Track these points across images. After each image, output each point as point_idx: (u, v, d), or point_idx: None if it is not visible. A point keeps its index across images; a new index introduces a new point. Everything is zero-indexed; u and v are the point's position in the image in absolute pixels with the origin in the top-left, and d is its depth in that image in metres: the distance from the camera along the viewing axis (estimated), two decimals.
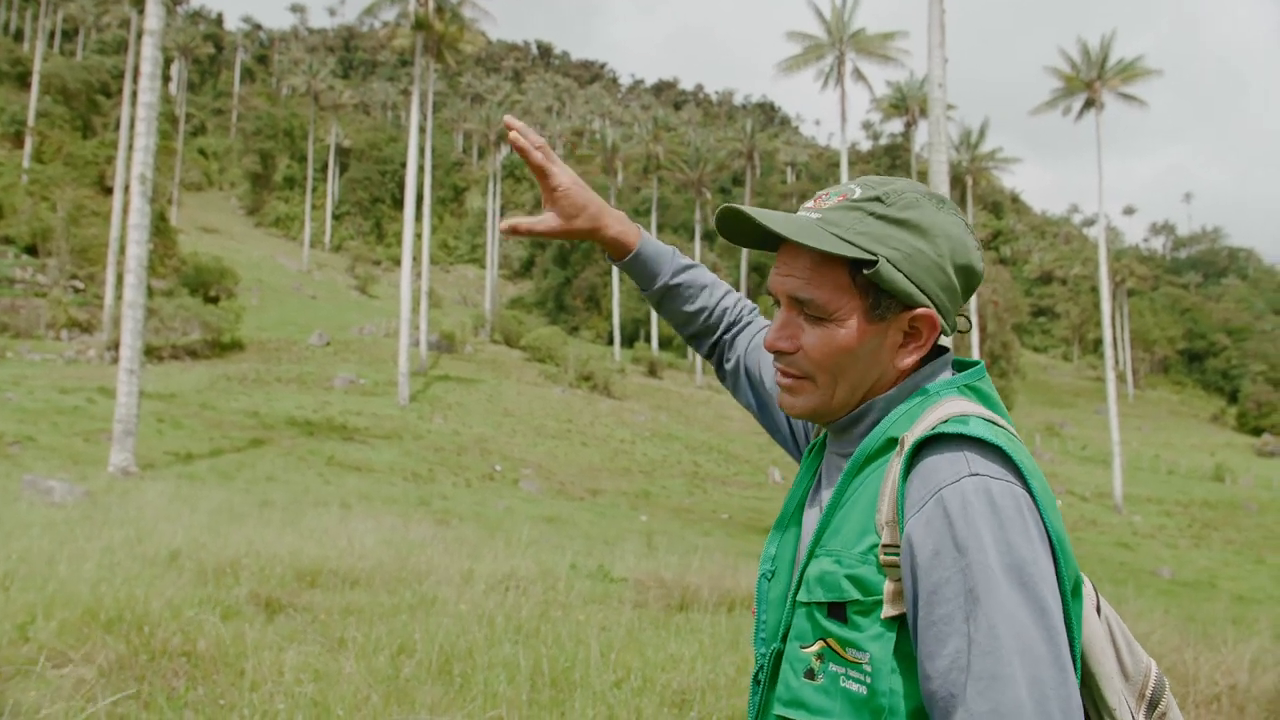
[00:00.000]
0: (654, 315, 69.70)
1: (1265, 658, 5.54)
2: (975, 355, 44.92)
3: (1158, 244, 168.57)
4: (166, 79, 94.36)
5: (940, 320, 1.34)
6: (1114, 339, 57.79)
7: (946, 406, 1.29)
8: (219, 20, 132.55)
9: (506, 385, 43.35)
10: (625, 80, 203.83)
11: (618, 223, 1.75)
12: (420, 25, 41.13)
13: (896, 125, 55.83)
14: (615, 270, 69.35)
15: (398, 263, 69.57)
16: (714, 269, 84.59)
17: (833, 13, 47.50)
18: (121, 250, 36.62)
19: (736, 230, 1.41)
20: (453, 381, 41.83)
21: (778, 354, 1.38)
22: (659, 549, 13.99)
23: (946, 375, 1.38)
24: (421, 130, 43.56)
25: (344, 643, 5.35)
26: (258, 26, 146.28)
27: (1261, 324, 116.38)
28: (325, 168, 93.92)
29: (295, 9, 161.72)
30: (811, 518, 1.39)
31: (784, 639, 1.31)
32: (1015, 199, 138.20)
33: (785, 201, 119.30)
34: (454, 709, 4.24)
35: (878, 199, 1.30)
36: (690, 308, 1.87)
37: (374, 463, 25.35)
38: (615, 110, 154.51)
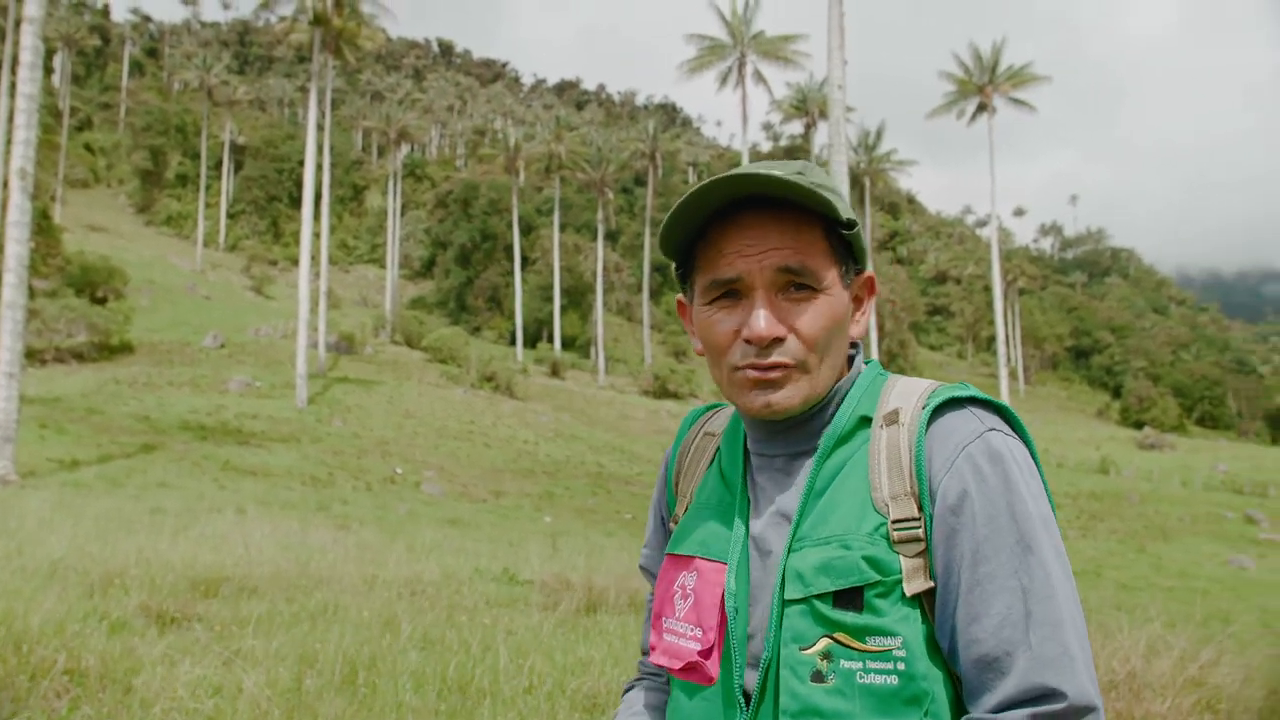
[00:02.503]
0: (556, 315, 69.71)
1: (1158, 644, 5.69)
2: (874, 354, 45.78)
3: (1046, 244, 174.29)
4: (49, 70, 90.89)
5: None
6: (1006, 337, 59.46)
7: (906, 382, 1.30)
8: (105, 11, 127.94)
9: (407, 387, 42.74)
10: (527, 80, 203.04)
11: None
12: (318, 20, 40.25)
13: (796, 127, 56.65)
14: (518, 269, 69.34)
15: (295, 263, 68.13)
16: (616, 269, 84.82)
17: (734, 15, 47.94)
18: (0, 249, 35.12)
19: (685, 220, 1.27)
20: (352, 383, 41.09)
21: (768, 346, 1.25)
22: (563, 550, 13.90)
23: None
24: (320, 128, 42.74)
25: (242, 655, 5.15)
26: (147, 18, 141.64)
27: (1142, 322, 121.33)
28: (220, 165, 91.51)
29: (187, 1, 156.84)
30: (764, 527, 1.28)
31: (777, 649, 1.20)
32: (911, 200, 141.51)
33: None
34: None
35: (800, 173, 1.25)
36: None
37: (271, 467, 24.73)
38: (517, 110, 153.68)
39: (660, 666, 1.36)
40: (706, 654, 1.28)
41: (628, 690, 1.57)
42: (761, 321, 1.23)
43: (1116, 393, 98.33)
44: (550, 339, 71.98)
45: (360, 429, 33.10)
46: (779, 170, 1.22)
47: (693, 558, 1.34)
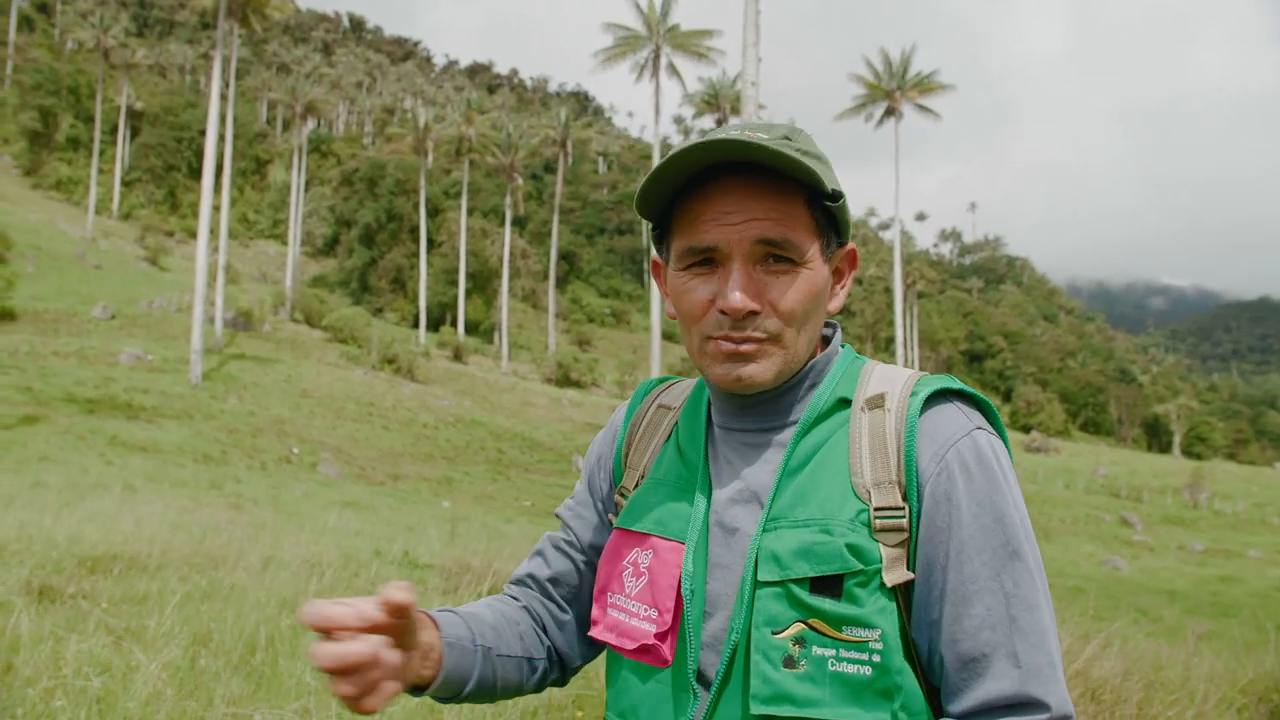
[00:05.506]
0: (461, 299, 69.07)
1: None
2: None
3: (945, 249, 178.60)
4: None
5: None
6: (904, 338, 60.76)
7: (885, 368, 1.27)
8: None
9: (306, 366, 41.95)
10: (439, 60, 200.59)
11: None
12: None
13: (708, 121, 56.81)
14: (423, 251, 68.33)
15: (193, 234, 66.25)
16: (523, 255, 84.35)
17: (649, 7, 47.96)
18: None
19: (664, 182, 1.20)
20: (249, 360, 40.16)
21: (744, 319, 1.19)
22: (463, 536, 13.81)
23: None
24: (223, 97, 41.58)
25: (133, 633, 5.01)
26: None
27: (1033, 329, 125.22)
28: (115, 130, 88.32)
29: None
30: (730, 504, 1.24)
31: (747, 632, 1.16)
32: None
33: (596, 191, 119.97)
34: (257, 702, 4.03)
35: (787, 138, 1.20)
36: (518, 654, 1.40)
37: (162, 443, 24.05)
38: (428, 90, 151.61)
39: (603, 643, 1.33)
40: (663, 636, 1.24)
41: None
42: (737, 295, 1.18)
43: (1007, 396, 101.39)
44: (454, 323, 71.26)
45: (256, 407, 32.38)
46: (764, 135, 1.17)
47: (648, 535, 1.29)
